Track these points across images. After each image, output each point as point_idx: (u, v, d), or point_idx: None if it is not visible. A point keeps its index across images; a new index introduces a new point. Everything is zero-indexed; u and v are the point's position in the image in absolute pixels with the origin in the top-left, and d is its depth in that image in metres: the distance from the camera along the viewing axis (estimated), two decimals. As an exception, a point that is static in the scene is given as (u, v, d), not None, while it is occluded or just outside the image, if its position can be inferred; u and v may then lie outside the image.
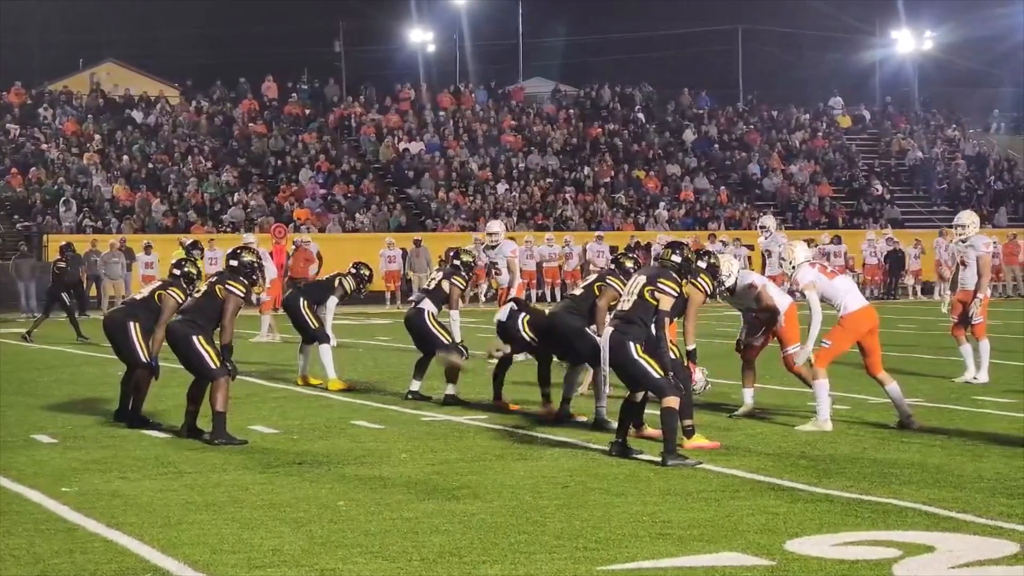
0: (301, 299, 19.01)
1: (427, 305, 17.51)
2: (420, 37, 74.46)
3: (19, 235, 43.55)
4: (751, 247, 39.70)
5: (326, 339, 18.82)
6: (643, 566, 8.55)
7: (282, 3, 77.19)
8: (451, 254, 18.65)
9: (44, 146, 49.26)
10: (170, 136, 51.82)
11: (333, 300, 19.32)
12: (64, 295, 29.73)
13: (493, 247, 23.64)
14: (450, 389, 16.76)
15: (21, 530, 9.75)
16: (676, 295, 12.60)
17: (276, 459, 12.72)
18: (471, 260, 18.25)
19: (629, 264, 15.21)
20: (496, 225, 24.71)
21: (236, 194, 48.30)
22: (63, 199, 45.47)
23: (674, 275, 12.71)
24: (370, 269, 19.94)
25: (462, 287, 18.05)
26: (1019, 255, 44.83)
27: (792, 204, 54.51)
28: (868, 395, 16.57)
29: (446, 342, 17.22)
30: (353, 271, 19.48)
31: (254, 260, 14.77)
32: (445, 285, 17.76)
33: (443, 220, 49.17)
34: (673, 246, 13.11)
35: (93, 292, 39.82)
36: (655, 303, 12.49)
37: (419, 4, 74.03)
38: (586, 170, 54.46)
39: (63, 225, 44.49)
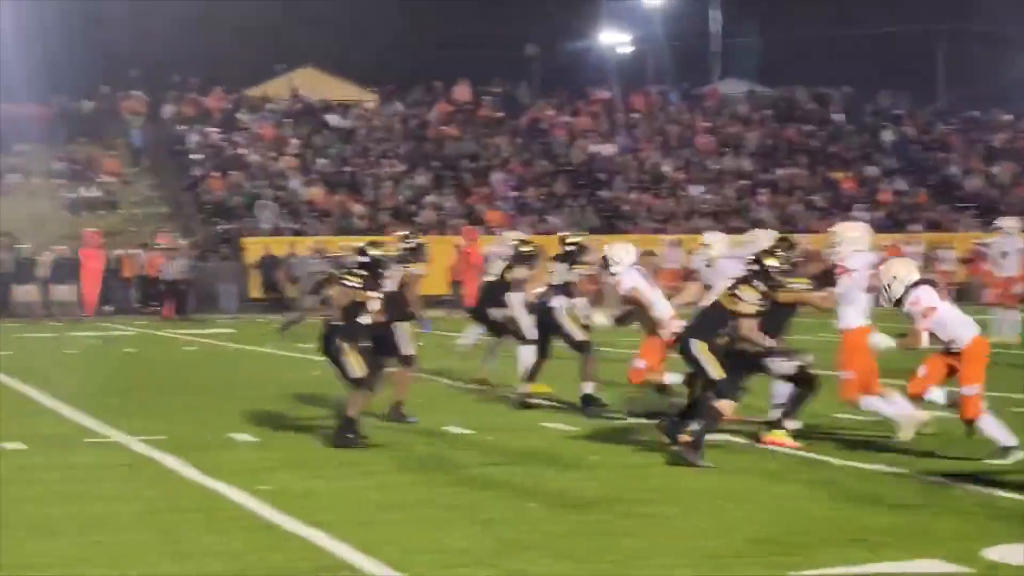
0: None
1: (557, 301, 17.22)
2: (612, 39, 74.42)
3: (219, 238, 44.31)
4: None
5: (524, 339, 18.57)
6: (838, 571, 8.43)
7: (475, 6, 77.61)
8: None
9: (243, 150, 50.16)
10: (365, 139, 52.49)
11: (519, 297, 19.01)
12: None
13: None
14: (588, 388, 16.59)
15: (220, 527, 9.90)
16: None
17: (467, 460, 12.78)
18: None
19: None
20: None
21: (429, 196, 48.72)
22: (258, 202, 46.16)
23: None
24: None
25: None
26: None
27: (994, 206, 53.40)
28: None
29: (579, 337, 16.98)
30: None
31: (381, 255, 14.56)
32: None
33: (634, 222, 49.06)
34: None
35: (291, 293, 40.30)
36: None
37: (610, 5, 74.01)
38: (780, 172, 53.97)
39: (260, 227, 45.16)
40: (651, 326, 15.50)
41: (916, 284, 12.83)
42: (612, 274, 15.66)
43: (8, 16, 50.12)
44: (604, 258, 15.91)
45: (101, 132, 51.03)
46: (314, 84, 57.38)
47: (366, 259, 14.27)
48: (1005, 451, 12.33)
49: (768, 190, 52.37)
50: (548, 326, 17.15)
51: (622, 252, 15.70)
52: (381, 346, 15.10)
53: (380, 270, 14.42)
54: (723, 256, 15.66)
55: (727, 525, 9.76)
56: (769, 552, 8.94)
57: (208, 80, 54.30)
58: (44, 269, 38.64)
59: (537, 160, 52.67)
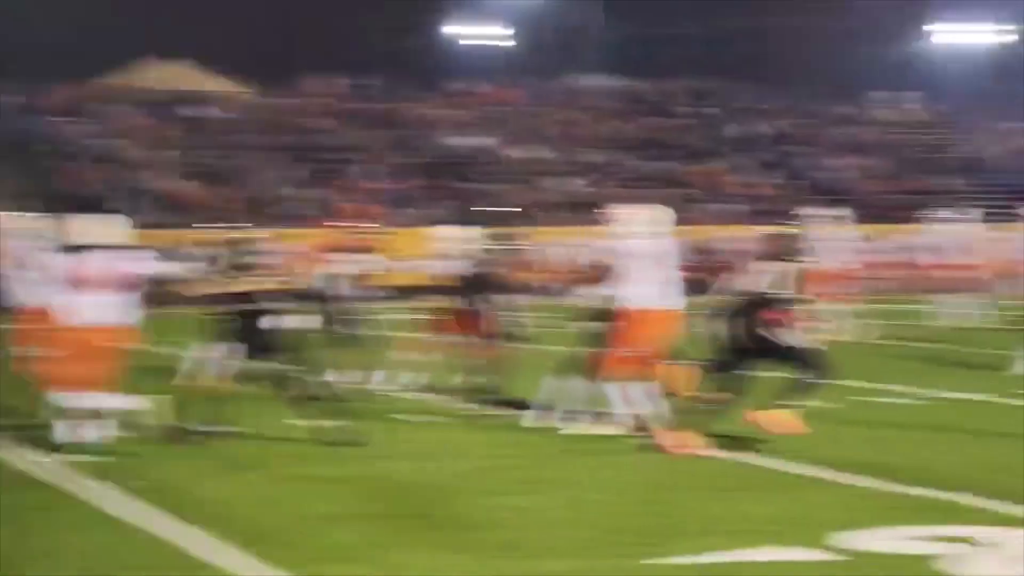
0: None
1: None
2: (485, 31, 74.09)
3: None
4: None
5: None
6: (695, 560, 8.60)
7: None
8: None
9: (103, 141, 49.43)
10: (233, 131, 52.06)
11: None
12: None
13: None
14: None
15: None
16: None
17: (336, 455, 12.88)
18: None
19: None
20: None
21: (297, 189, 48.41)
22: (116, 194, 45.61)
23: None
24: None
25: None
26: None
27: (847, 199, 54.15)
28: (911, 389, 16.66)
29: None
30: None
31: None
32: None
33: (500, 215, 49.07)
34: None
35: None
36: None
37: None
38: (656, 165, 54.25)
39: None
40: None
41: None
42: None
43: None
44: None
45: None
46: (182, 77, 56.85)
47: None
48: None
49: (640, 182, 52.72)
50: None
51: None
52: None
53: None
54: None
55: (587, 515, 9.97)
56: (627, 542, 9.12)
57: (64, 70, 53.42)
58: None
59: (407, 153, 52.57)
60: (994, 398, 16.40)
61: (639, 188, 52.04)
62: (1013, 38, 73.97)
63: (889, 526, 9.38)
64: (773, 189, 54.10)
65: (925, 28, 73.87)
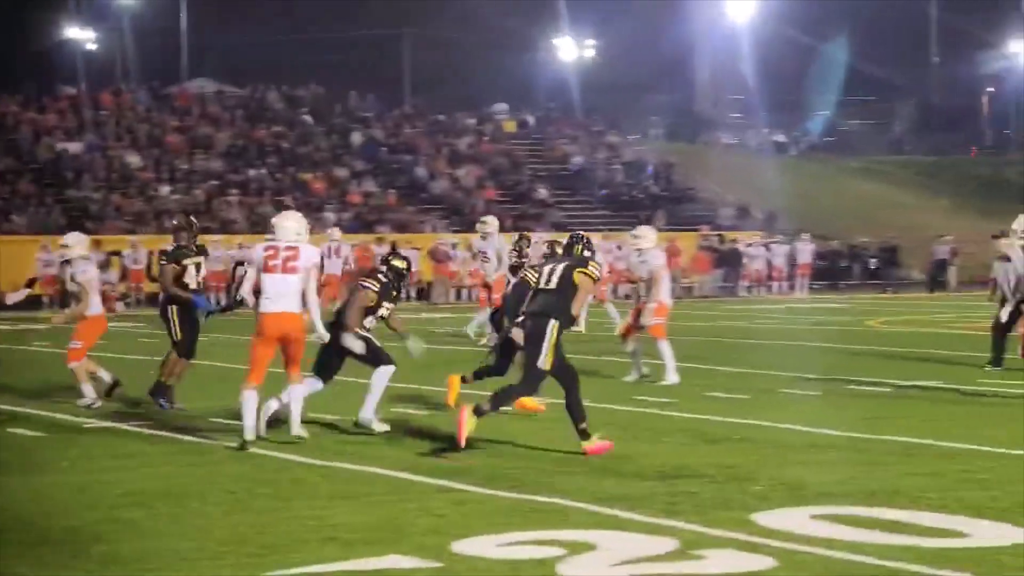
0: None
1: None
2: (80, 35, 72.75)
3: None
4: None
5: None
6: (310, 570, 8.50)
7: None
8: None
9: None
10: None
11: None
12: None
13: (484, 238, 26.38)
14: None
15: None
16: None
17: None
18: None
19: None
20: (491, 219, 27.30)
21: None
22: None
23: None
24: None
25: None
26: (679, 257, 46.35)
27: (459, 208, 54.99)
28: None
29: None
30: None
31: None
32: None
33: (103, 221, 48.07)
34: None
35: None
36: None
37: (80, 1, 72.33)
38: (251, 172, 53.97)
39: None
40: None
41: None
42: None
43: None
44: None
45: None
46: None
47: None
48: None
49: (238, 191, 52.29)
50: None
51: None
52: None
53: None
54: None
55: (201, 527, 9.72)
56: (242, 553, 8.94)
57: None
58: None
59: (1, 158, 50.91)
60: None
61: (234, 196, 51.66)
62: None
63: (504, 532, 9.44)
64: (377, 198, 54.37)
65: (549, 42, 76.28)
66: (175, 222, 18.12)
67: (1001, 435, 13.79)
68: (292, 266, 13.49)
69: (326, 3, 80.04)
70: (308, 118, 59.97)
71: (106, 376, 16.88)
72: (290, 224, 13.84)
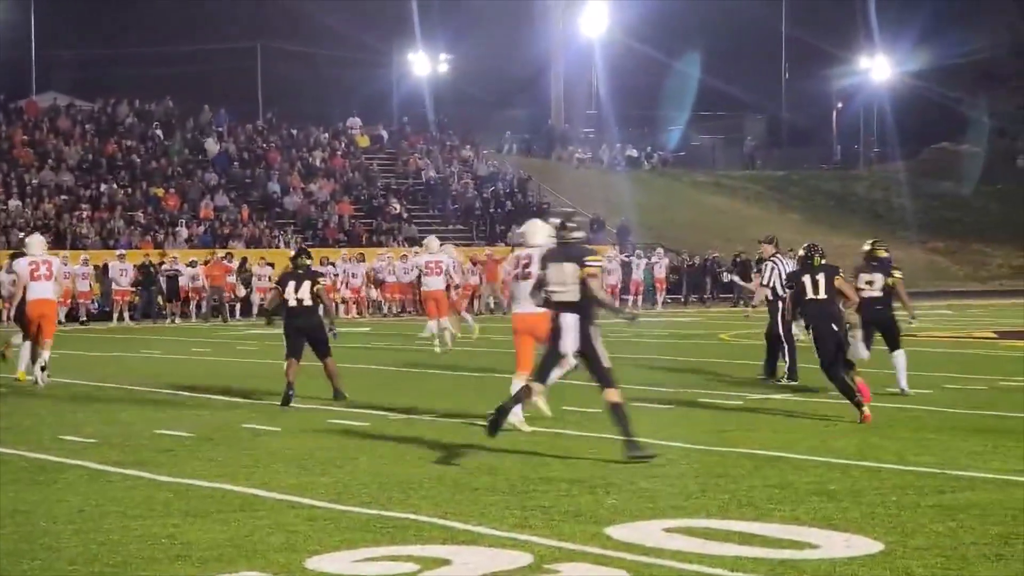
0: None
1: None
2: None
3: None
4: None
5: None
6: (161, 590, 8.41)
7: None
8: None
9: None
10: None
11: None
12: None
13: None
14: None
15: None
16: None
17: None
18: None
19: None
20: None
21: None
22: None
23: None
24: None
25: None
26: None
27: (312, 222, 54.78)
28: (388, 411, 16.88)
29: None
30: None
31: None
32: None
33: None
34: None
35: None
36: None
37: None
38: (103, 187, 53.30)
39: None
40: None
41: None
42: None
43: None
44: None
45: None
46: None
47: None
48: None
49: (89, 206, 51.62)
50: None
51: None
52: None
53: None
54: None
55: (50, 546, 9.54)
56: (92, 572, 8.81)
57: None
58: None
59: None
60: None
61: (82, 210, 51.00)
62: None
63: (358, 548, 9.41)
64: (245, 213, 54.02)
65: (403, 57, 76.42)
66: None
67: (850, 447, 14.00)
68: None
69: (180, 16, 79.38)
70: (159, 132, 59.37)
71: None
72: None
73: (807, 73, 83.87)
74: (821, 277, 16.90)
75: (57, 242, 45.81)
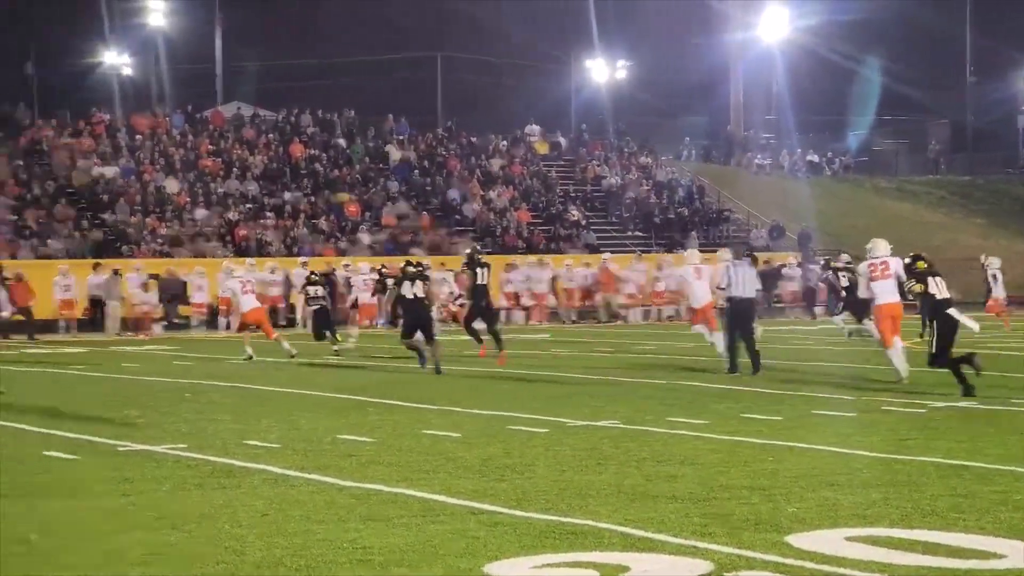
0: None
1: None
2: (115, 60, 73.19)
3: None
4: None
5: None
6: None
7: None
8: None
9: None
10: None
11: None
12: None
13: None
14: None
15: None
16: None
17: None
18: None
19: None
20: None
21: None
22: None
23: None
24: None
25: None
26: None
27: (491, 229, 55.05)
28: (568, 418, 16.90)
29: None
30: None
31: None
32: None
33: (138, 245, 48.26)
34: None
35: None
36: None
37: (114, 27, 72.75)
38: (286, 195, 54.13)
39: None
40: None
41: None
42: None
43: None
44: None
45: None
46: None
47: None
48: None
49: (273, 214, 52.43)
50: None
51: None
52: None
53: None
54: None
55: (235, 549, 9.69)
56: (277, 575, 8.95)
57: None
58: None
59: (37, 182, 51.16)
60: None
61: (271, 219, 51.82)
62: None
63: (538, 554, 9.41)
64: (426, 220, 54.48)
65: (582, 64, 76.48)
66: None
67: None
68: None
69: (360, 27, 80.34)
70: (341, 141, 60.12)
71: None
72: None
73: (991, 77, 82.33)
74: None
75: (242, 251, 46.63)
